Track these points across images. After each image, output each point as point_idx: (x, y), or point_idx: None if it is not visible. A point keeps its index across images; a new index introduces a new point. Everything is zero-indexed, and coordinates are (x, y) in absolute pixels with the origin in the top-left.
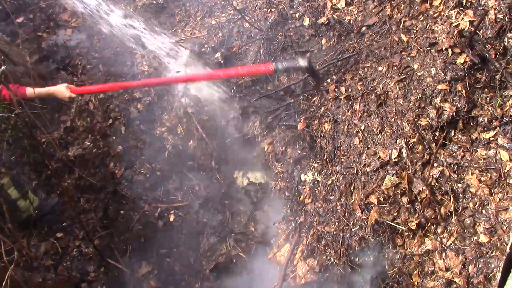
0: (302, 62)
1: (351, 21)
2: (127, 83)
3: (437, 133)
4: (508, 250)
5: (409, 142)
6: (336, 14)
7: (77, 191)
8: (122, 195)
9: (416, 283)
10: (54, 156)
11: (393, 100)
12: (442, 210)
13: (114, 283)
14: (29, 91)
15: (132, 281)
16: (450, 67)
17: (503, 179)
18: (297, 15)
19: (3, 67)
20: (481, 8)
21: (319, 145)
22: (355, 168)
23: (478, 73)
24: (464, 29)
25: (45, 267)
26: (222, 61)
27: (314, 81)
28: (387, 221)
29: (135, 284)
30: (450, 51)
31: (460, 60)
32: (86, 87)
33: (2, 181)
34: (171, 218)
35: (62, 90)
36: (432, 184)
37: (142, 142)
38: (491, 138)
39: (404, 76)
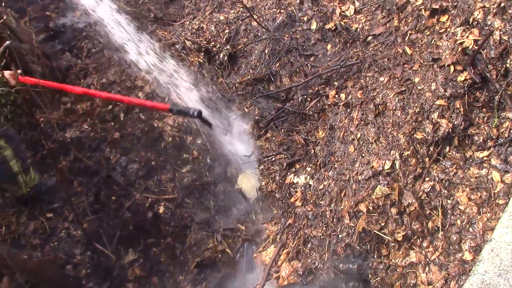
0: (192, 112)
1: (358, 29)
2: (75, 88)
3: (431, 148)
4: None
5: (403, 154)
6: (344, 21)
7: (71, 173)
8: (115, 181)
9: None
10: (51, 136)
11: (391, 112)
12: (430, 224)
13: (99, 268)
14: None
15: (117, 267)
16: (450, 83)
17: (493, 199)
18: (305, 19)
19: (7, 42)
20: (487, 28)
21: (313, 149)
22: (348, 175)
23: (477, 92)
24: (468, 47)
25: (32, 245)
26: (226, 58)
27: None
28: (374, 230)
29: (120, 271)
30: (452, 67)
31: (461, 77)
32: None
33: (5, 153)
34: (161, 209)
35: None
36: (422, 197)
37: (140, 130)
38: (485, 158)
39: (404, 89)
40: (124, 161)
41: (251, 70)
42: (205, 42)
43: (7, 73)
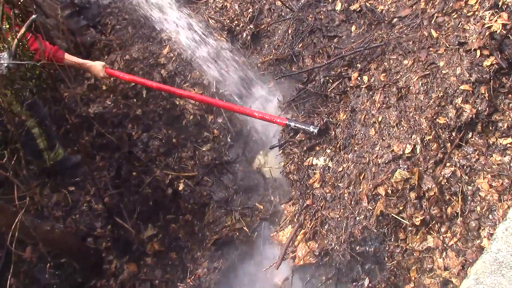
0: (313, 129)
1: (384, 11)
2: (160, 85)
3: (453, 133)
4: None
5: (425, 139)
6: (369, 2)
7: (93, 148)
8: (136, 157)
9: (413, 278)
10: (75, 111)
11: (414, 95)
12: (449, 210)
13: (119, 241)
14: (68, 57)
15: (136, 241)
16: (476, 68)
17: None
18: None
19: (33, 16)
20: None
21: (334, 131)
22: (367, 158)
23: (504, 78)
24: (496, 31)
25: (55, 217)
26: (249, 38)
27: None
28: (392, 214)
29: (139, 245)
30: (478, 52)
31: (487, 62)
32: (120, 73)
33: (33, 130)
34: (181, 186)
35: (98, 68)
36: (442, 183)
37: (162, 108)
38: (508, 145)
39: (428, 72)
40: (146, 137)
41: (273, 50)
42: (228, 21)
43: (98, 64)
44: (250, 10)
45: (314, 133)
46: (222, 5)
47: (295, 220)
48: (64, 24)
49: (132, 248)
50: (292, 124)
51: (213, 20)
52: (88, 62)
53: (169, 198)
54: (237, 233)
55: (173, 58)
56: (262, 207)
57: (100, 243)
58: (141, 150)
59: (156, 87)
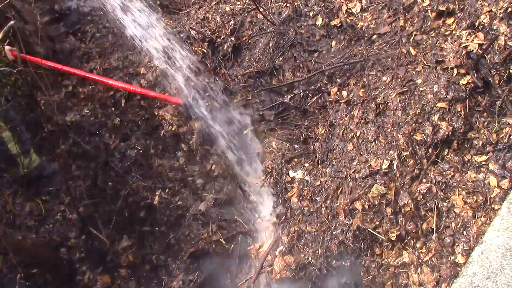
0: None
1: (364, 27)
2: (77, 70)
3: (430, 150)
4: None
5: (402, 155)
6: (349, 18)
7: (69, 157)
8: (112, 167)
9: None
10: (51, 119)
11: (392, 112)
12: (424, 225)
13: (93, 252)
14: None
15: (111, 252)
16: (452, 86)
17: (488, 204)
18: (311, 14)
19: (11, 22)
20: (492, 32)
21: (312, 145)
22: (345, 173)
23: (479, 97)
24: (473, 51)
25: (27, 226)
26: (230, 50)
27: None
28: (369, 229)
29: (113, 256)
30: (455, 71)
31: (464, 81)
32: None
33: (3, 134)
34: (157, 198)
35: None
36: (418, 199)
37: (140, 117)
38: (483, 162)
39: (406, 89)
40: (123, 147)
41: (254, 63)
42: (209, 32)
43: (7, 48)
44: (232, 22)
45: None
46: (203, 17)
47: (272, 233)
48: (43, 30)
49: (106, 259)
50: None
51: (194, 31)
52: None
53: (145, 209)
54: (214, 246)
55: (153, 68)
56: (239, 220)
57: (74, 254)
58: (118, 160)
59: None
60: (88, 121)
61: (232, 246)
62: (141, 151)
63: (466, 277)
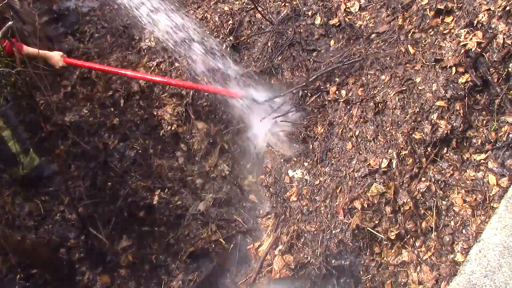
0: None
1: (362, 26)
2: (122, 70)
3: (429, 149)
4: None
5: (401, 154)
6: (348, 17)
7: (68, 157)
8: (111, 168)
9: None
10: (50, 119)
11: (391, 110)
12: (423, 224)
13: (92, 252)
14: (26, 48)
15: (110, 252)
16: (451, 85)
17: (487, 202)
18: (309, 13)
19: (10, 23)
20: (491, 31)
21: (311, 145)
22: (344, 172)
23: (478, 95)
24: (471, 49)
25: (26, 227)
26: (229, 50)
27: None
28: (368, 228)
29: (113, 256)
30: (454, 69)
31: (462, 79)
32: (79, 61)
33: (4, 133)
34: (156, 198)
35: (56, 57)
36: (417, 197)
37: (139, 117)
38: (482, 161)
39: (405, 88)
40: (122, 147)
41: (253, 63)
42: (208, 32)
43: (57, 53)
44: (230, 22)
45: None
46: (202, 16)
47: (271, 233)
48: (41, 31)
49: (106, 259)
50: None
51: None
52: (47, 53)
53: (145, 209)
54: (213, 245)
55: (152, 68)
56: (239, 219)
57: (73, 254)
58: (117, 160)
59: (114, 72)
60: (87, 121)
61: (232, 245)
62: (140, 151)
63: (464, 275)
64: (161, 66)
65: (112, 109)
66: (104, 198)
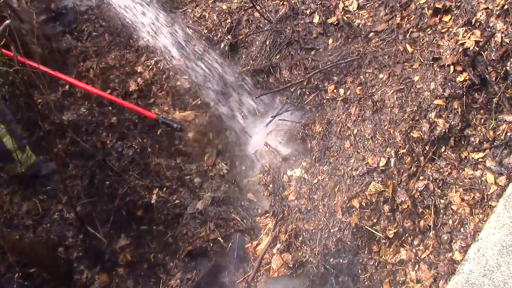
0: (176, 125)
1: (360, 25)
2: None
3: (427, 147)
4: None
5: (399, 152)
6: (346, 16)
7: (66, 156)
8: (110, 166)
9: None
10: (48, 118)
11: (389, 109)
12: (422, 223)
13: (91, 251)
14: None
15: (108, 251)
16: (449, 84)
17: (486, 200)
18: (308, 12)
19: (7, 22)
20: (489, 30)
21: (309, 143)
22: (342, 171)
23: (476, 94)
24: (469, 48)
25: (25, 226)
26: (227, 48)
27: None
28: (366, 227)
29: (111, 255)
30: (452, 68)
31: (461, 78)
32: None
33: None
34: (154, 196)
35: None
36: (415, 196)
37: (137, 116)
38: (480, 159)
39: (403, 87)
40: (120, 146)
41: (251, 61)
42: (206, 31)
43: None
44: (229, 20)
45: (178, 128)
46: (200, 15)
47: (270, 231)
48: (39, 29)
49: (104, 258)
50: (160, 119)
51: (191, 30)
52: None
53: (143, 208)
54: (211, 244)
55: (150, 67)
56: (237, 218)
57: (71, 253)
58: (115, 159)
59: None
60: (85, 120)
61: (230, 244)
62: (138, 150)
63: (463, 274)
64: (159, 65)
65: (110, 107)
66: (102, 197)
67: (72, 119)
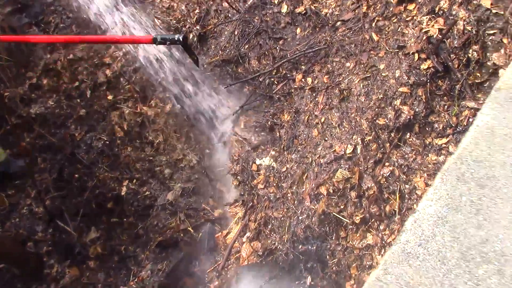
0: (177, 36)
1: (328, 14)
2: (56, 36)
3: (392, 134)
4: None
5: (365, 139)
6: (314, 5)
7: (34, 150)
8: (79, 159)
9: (353, 275)
10: (15, 112)
11: (356, 97)
12: (387, 208)
13: (61, 245)
14: None
15: (79, 245)
16: (414, 71)
17: None
18: (276, 1)
19: None
20: (452, 17)
21: (278, 132)
22: (310, 159)
23: (440, 81)
24: (433, 36)
25: None
26: (196, 39)
27: (191, 56)
28: (334, 213)
29: (81, 248)
30: (416, 55)
31: (425, 66)
32: (14, 36)
33: None
34: (124, 188)
35: None
36: (381, 182)
37: (105, 108)
38: (443, 145)
39: (369, 75)
40: (89, 138)
41: (220, 51)
42: (175, 21)
43: None
44: (197, 11)
45: (179, 40)
46: (169, 5)
47: (239, 220)
48: (5, 21)
49: (74, 251)
50: (158, 38)
51: (159, 21)
52: None
53: (113, 200)
54: (182, 235)
55: (118, 58)
56: (207, 208)
57: (41, 247)
58: (84, 152)
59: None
60: (53, 113)
61: (200, 234)
62: (107, 142)
63: (399, 244)
64: (127, 56)
65: (78, 100)
66: (72, 190)
67: (39, 112)
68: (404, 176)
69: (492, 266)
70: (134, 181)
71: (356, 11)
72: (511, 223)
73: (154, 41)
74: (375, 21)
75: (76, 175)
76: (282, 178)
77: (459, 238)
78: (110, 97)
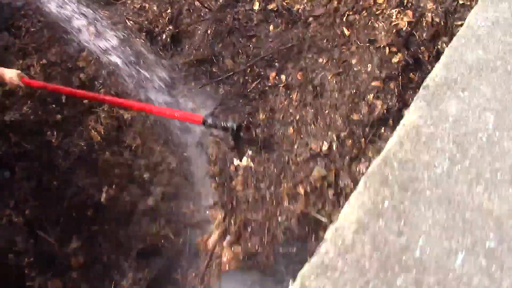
0: (230, 124)
1: (300, 10)
2: (86, 93)
3: (367, 129)
4: None
5: (340, 136)
6: (286, 1)
7: (11, 158)
8: (56, 166)
9: None
10: None
11: (329, 93)
12: None
13: (42, 256)
14: None
15: (60, 255)
16: (385, 65)
17: None
18: None
19: None
20: (420, 9)
21: (254, 132)
22: (287, 157)
23: (411, 74)
24: (402, 29)
25: None
26: (169, 40)
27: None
28: (312, 213)
29: (64, 259)
30: (387, 49)
31: (396, 59)
32: (41, 83)
33: None
34: (104, 195)
35: (13, 75)
36: (358, 179)
37: (81, 113)
38: None
39: (341, 70)
40: (66, 144)
41: (194, 51)
42: (147, 22)
43: (13, 72)
44: (169, 11)
45: (233, 130)
46: (140, 6)
47: (219, 224)
48: None
49: (56, 262)
50: (209, 120)
51: (131, 22)
52: (3, 69)
53: (93, 208)
54: (163, 241)
55: (92, 61)
56: (187, 213)
57: (22, 259)
58: (62, 158)
59: (83, 95)
60: (29, 119)
61: (181, 239)
62: (85, 148)
63: (318, 255)
64: (101, 59)
65: (54, 105)
66: (51, 199)
67: (14, 119)
68: None
69: (411, 275)
70: (114, 186)
71: (328, 6)
72: (431, 228)
73: (203, 123)
74: (346, 15)
75: (55, 183)
76: (260, 178)
77: (379, 246)
78: (85, 101)
